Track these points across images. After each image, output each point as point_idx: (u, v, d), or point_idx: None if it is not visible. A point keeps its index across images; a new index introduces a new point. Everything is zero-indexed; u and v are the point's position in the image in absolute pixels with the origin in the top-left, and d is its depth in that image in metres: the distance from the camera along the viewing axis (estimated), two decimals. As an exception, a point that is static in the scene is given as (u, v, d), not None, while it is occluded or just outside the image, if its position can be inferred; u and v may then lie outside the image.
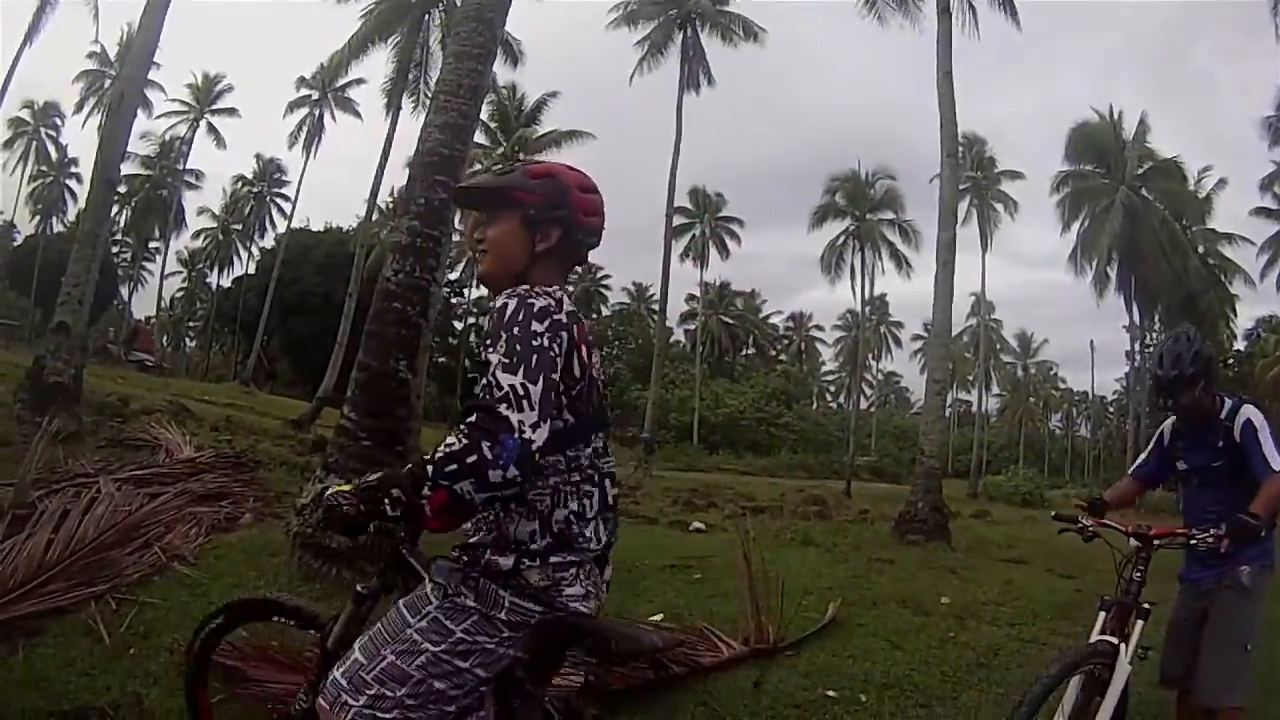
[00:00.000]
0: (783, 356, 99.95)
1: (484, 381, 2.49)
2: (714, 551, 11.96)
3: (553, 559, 2.69)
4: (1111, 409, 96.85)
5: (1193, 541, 4.48)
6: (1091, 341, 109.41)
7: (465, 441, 2.39)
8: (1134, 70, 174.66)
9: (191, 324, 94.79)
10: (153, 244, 79.65)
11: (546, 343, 2.57)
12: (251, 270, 76.78)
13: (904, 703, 6.58)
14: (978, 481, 55.69)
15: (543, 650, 2.86)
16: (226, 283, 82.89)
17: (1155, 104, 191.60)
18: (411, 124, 38.83)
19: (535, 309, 2.62)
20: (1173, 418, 5.32)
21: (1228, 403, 4.99)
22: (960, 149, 30.99)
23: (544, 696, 2.97)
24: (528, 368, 2.48)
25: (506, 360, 2.49)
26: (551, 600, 2.68)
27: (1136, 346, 53.48)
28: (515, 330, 2.55)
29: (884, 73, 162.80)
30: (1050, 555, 14.79)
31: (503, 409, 2.41)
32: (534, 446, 2.42)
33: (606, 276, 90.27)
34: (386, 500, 2.47)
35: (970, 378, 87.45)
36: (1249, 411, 4.88)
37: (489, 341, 2.56)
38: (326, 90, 57.61)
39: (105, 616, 5.79)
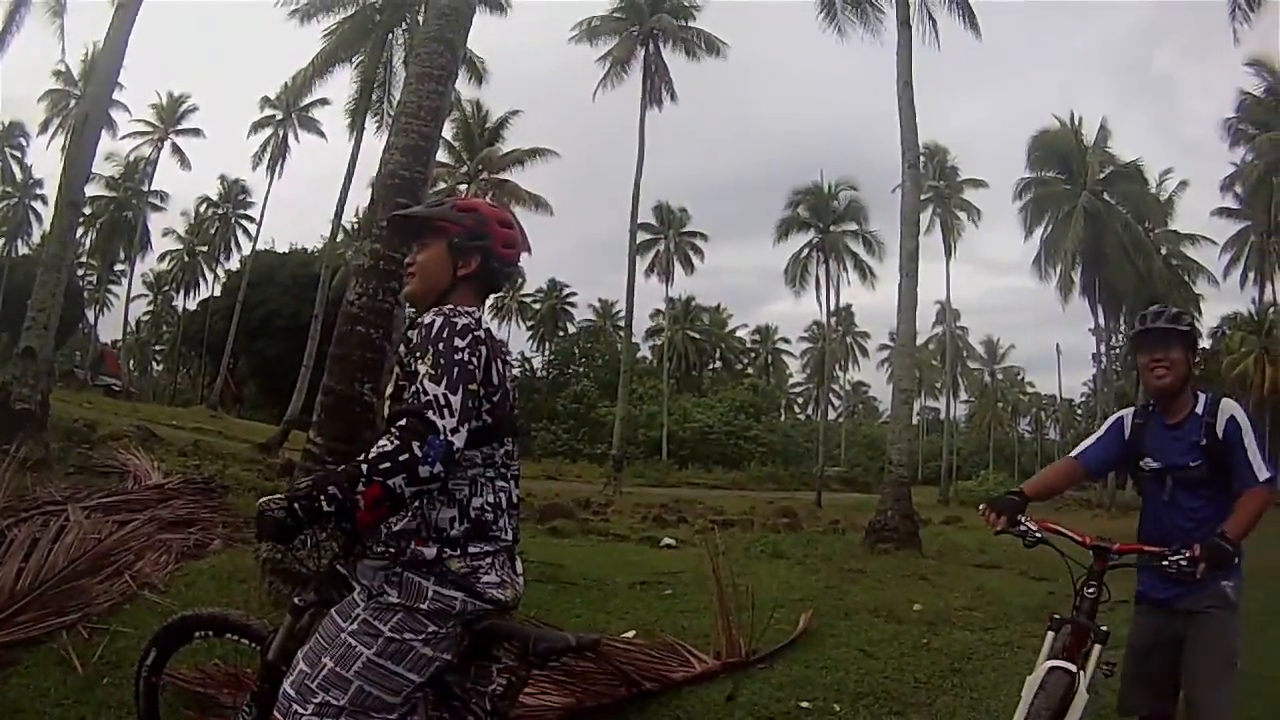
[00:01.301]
0: (750, 370, 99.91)
1: (412, 389, 2.85)
2: (684, 567, 12.01)
3: (471, 548, 3.02)
4: (1080, 411, 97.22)
5: (1165, 563, 4.12)
6: (1058, 345, 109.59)
7: (397, 442, 2.73)
8: (1095, 75, 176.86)
9: (158, 347, 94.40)
10: (118, 266, 78.99)
11: (467, 356, 2.94)
12: (217, 292, 76.41)
13: (878, 710, 6.61)
14: (948, 488, 55.96)
15: (469, 653, 3.17)
16: (193, 305, 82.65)
17: (1117, 108, 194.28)
18: (375, 143, 38.82)
19: (458, 326, 2.99)
20: (1132, 409, 4.90)
21: (1202, 397, 4.56)
22: (922, 158, 31.19)
23: (474, 702, 3.24)
24: (450, 379, 2.86)
25: (433, 372, 2.86)
26: (471, 586, 3.00)
27: (1102, 349, 54.20)
28: (440, 345, 2.92)
29: (846, 84, 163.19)
30: (1022, 559, 14.65)
31: (429, 414, 2.78)
32: (455, 447, 2.80)
33: (572, 294, 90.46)
34: (322, 497, 2.73)
35: (938, 385, 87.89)
36: (1232, 407, 4.49)
37: (417, 354, 2.92)
38: (290, 110, 57.41)
39: (77, 646, 5.75)
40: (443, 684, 3.17)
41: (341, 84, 42.14)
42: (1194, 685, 4.37)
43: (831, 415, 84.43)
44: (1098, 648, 4.16)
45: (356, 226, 54.37)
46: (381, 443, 2.77)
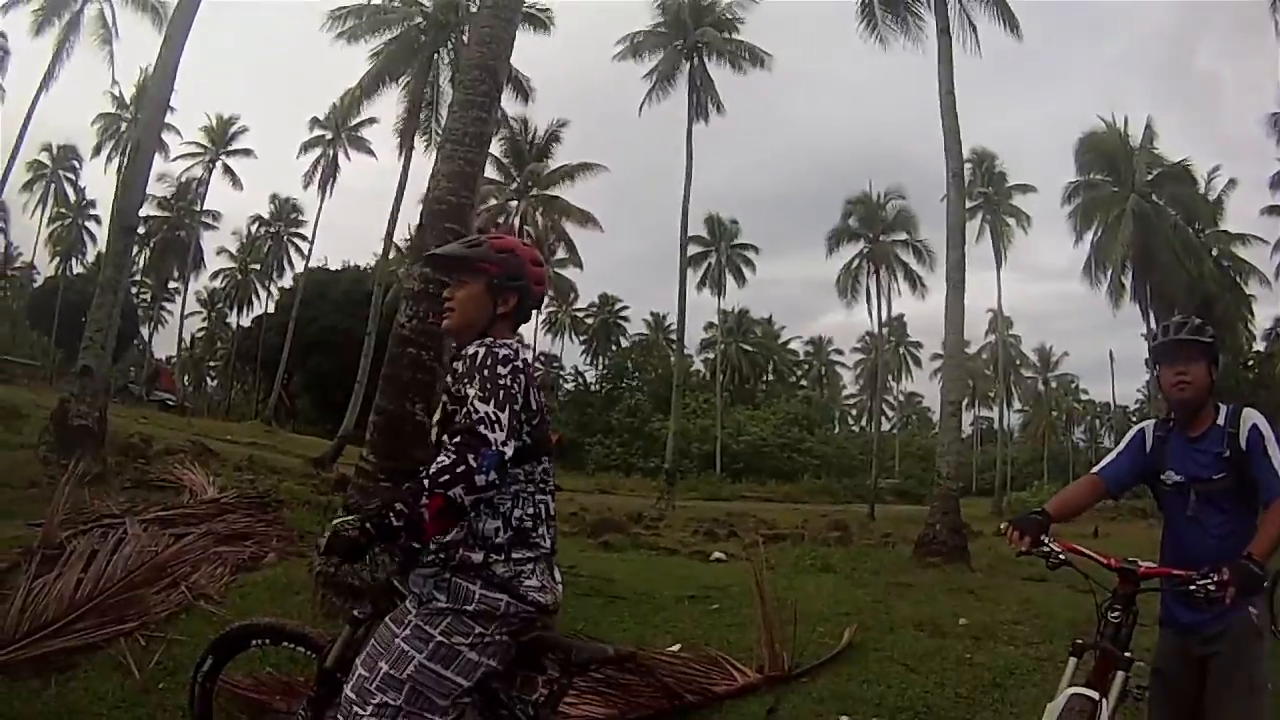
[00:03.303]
0: (803, 382, 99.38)
1: (464, 410, 3.13)
2: (733, 581, 11.97)
3: (514, 554, 3.31)
4: (1134, 418, 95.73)
5: (1192, 588, 3.89)
6: (1110, 352, 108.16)
7: (454, 455, 3.00)
8: (1139, 75, 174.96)
9: (212, 363, 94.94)
10: (172, 284, 79.66)
11: (509, 382, 3.21)
12: (271, 309, 76.79)
13: (917, 725, 6.60)
14: (1002, 499, 55.46)
15: (515, 663, 3.43)
16: (246, 322, 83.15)
17: (1162, 107, 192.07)
18: (425, 161, 38.96)
19: (500, 356, 3.27)
20: (1153, 421, 4.77)
21: (1224, 409, 4.44)
22: (969, 165, 31.03)
23: (519, 709, 3.45)
24: (497, 400, 3.14)
25: (481, 394, 3.14)
26: (515, 589, 3.28)
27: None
28: (485, 371, 3.21)
29: (891, 89, 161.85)
30: (1072, 572, 14.64)
31: (481, 429, 3.05)
32: (505, 457, 3.08)
33: (625, 308, 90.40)
34: (390, 514, 2.97)
35: (991, 395, 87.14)
36: (1255, 416, 4.36)
37: (465, 380, 3.23)
38: (340, 130, 57.49)
39: (134, 653, 6.00)
40: (489, 691, 3.38)
41: (390, 103, 42.24)
42: (1218, 711, 4.28)
43: (885, 426, 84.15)
44: (1121, 674, 4.02)
45: (409, 244, 54.64)
46: (439, 459, 3.01)
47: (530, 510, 3.40)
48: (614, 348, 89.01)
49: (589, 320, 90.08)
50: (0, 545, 8.10)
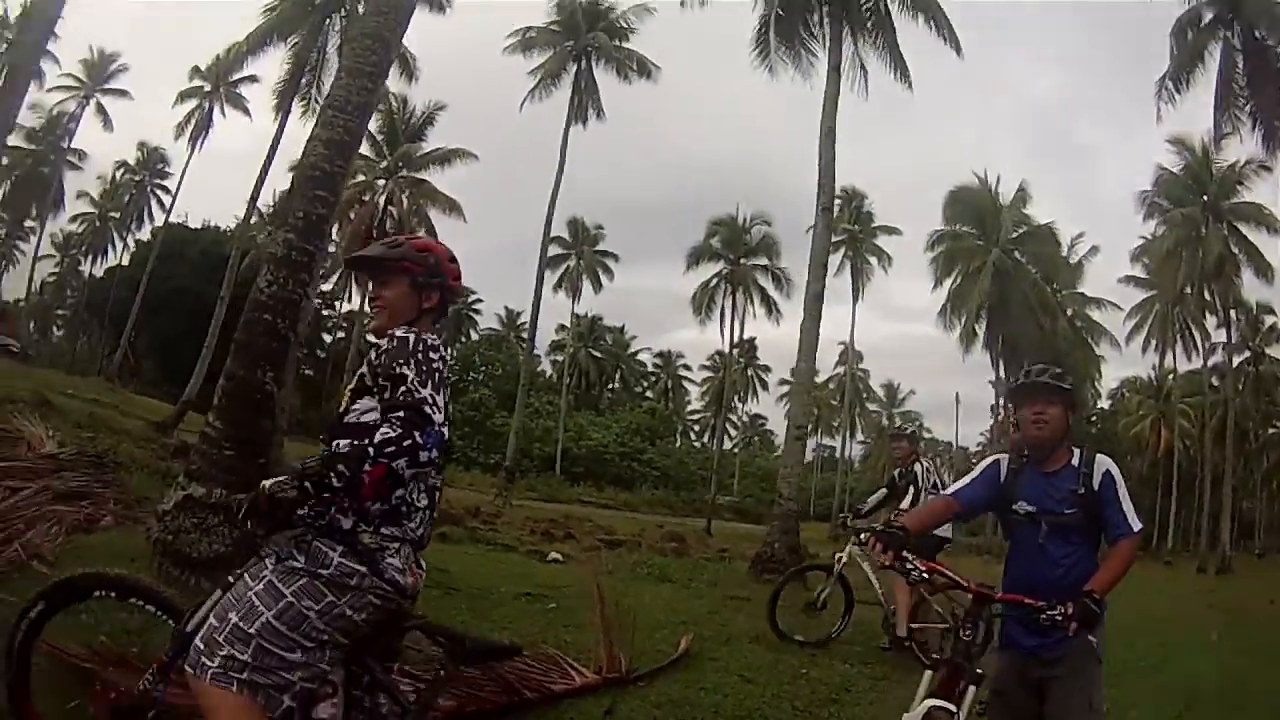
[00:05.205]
0: (649, 394, 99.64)
1: (402, 389, 3.25)
2: (570, 582, 12.05)
3: (383, 529, 3.40)
4: (974, 459, 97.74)
5: (1042, 616, 4.22)
6: (957, 394, 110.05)
7: (400, 429, 3.14)
8: (1020, 136, 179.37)
9: (60, 312, 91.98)
10: (28, 223, 77.44)
11: (441, 369, 3.41)
12: (125, 261, 74.43)
13: (756, 735, 6.69)
14: (839, 524, 56.30)
15: (380, 631, 3.52)
16: (99, 272, 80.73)
17: (1038, 170, 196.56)
18: (299, 128, 38.23)
19: (430, 344, 3.46)
20: (1007, 455, 5.04)
21: (1077, 452, 4.76)
22: (839, 202, 31.44)
23: (390, 684, 3.52)
24: (434, 384, 3.32)
25: (419, 377, 3.29)
26: (375, 563, 3.36)
27: (1001, 401, 54.85)
28: (420, 356, 3.37)
29: (769, 117, 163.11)
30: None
31: (426, 409, 3.20)
32: (444, 438, 3.29)
33: (478, 301, 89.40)
34: (332, 474, 3.09)
35: (835, 424, 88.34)
36: (1107, 462, 4.70)
37: (401, 361, 3.34)
38: (219, 84, 55.58)
39: None
40: (363, 665, 3.46)
41: (274, 63, 41.33)
42: None
43: (727, 445, 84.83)
44: (972, 689, 4.29)
45: (272, 209, 53.70)
46: (384, 430, 3.16)
47: (413, 495, 3.50)
48: (463, 339, 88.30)
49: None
50: None
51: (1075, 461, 4.72)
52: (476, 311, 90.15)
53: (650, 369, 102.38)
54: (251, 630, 3.22)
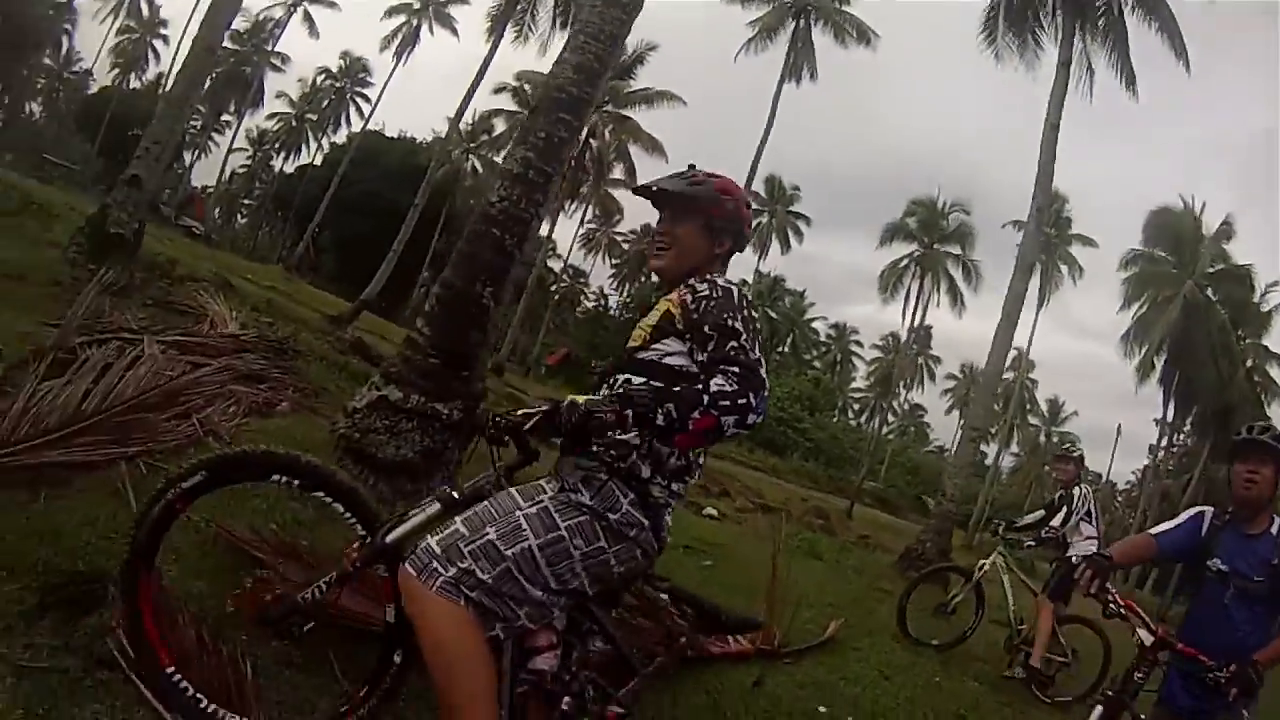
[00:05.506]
0: (817, 363, 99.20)
1: (734, 345, 3.00)
2: (725, 540, 12.09)
3: (673, 485, 3.21)
4: (1119, 498, 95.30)
5: (1208, 675, 4.34)
6: (1119, 425, 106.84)
7: (737, 386, 2.90)
8: (1229, 165, 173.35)
9: (246, 201, 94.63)
10: (225, 117, 79.62)
11: (760, 326, 3.16)
12: (318, 162, 76.59)
13: (890, 738, 6.61)
14: (974, 535, 55.52)
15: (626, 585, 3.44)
16: (290, 169, 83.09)
17: (1242, 203, 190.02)
18: (510, 53, 38.48)
19: (747, 300, 3.18)
20: (1213, 509, 5.00)
21: (1278, 520, 4.72)
22: (1044, 204, 30.74)
23: (620, 639, 3.34)
24: (758, 346, 3.05)
25: (749, 336, 3.04)
26: (658, 518, 3.20)
27: (1163, 442, 53.21)
28: (745, 313, 3.12)
29: (978, 105, 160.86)
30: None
31: (761, 372, 2.97)
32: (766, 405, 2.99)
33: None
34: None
35: (994, 430, 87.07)
36: None
37: (729, 314, 3.08)
38: (429, 2, 57.24)
39: (134, 480, 5.45)
40: (589, 614, 3.29)
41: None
42: None
43: (883, 430, 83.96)
44: None
45: (472, 129, 54.25)
46: (719, 381, 2.91)
47: (696, 456, 3.31)
48: (643, 279, 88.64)
49: (626, 246, 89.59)
50: (11, 341, 7.73)
51: (1275, 530, 4.70)
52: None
53: (822, 339, 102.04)
54: (508, 552, 3.02)
